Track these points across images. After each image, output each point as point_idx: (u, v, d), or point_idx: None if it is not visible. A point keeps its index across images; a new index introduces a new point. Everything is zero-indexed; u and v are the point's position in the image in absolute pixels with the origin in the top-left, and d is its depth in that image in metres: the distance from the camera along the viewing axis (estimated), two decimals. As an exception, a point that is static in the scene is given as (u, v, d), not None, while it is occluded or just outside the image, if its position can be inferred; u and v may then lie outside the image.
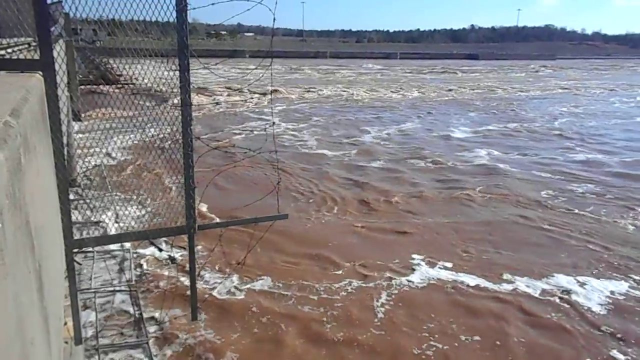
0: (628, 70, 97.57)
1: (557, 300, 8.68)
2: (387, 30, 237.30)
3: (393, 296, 8.64)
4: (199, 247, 9.48)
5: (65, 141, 4.66)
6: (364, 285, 9.01)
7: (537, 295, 8.84)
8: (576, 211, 13.20)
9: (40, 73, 4.15)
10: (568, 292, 8.93)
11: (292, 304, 8.25)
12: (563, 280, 9.33)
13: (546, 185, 15.61)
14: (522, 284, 9.18)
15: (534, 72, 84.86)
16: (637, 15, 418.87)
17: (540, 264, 9.97)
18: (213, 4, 4.92)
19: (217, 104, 29.31)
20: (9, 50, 7.62)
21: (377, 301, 8.45)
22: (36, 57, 4.26)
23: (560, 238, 11.35)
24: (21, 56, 6.17)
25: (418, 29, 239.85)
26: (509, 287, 9.09)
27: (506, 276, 9.47)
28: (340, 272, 9.49)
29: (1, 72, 3.82)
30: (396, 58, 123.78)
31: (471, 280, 9.31)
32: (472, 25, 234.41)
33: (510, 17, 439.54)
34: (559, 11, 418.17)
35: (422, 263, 9.96)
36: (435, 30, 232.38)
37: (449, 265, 9.90)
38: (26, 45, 10.79)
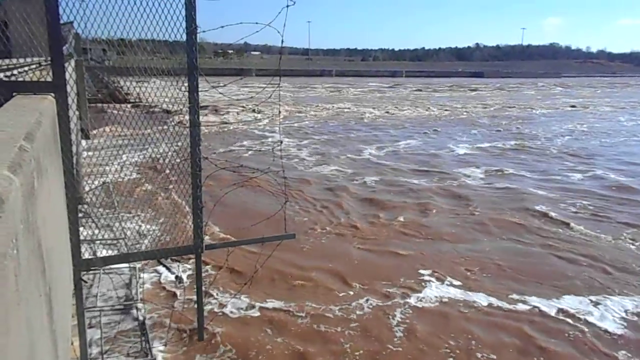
0: (637, 87, 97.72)
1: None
2: (393, 49, 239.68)
3: (408, 314, 8.63)
4: (208, 266, 9.47)
5: (74, 160, 4.71)
6: (378, 302, 8.97)
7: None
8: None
9: (53, 95, 4.22)
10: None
11: (308, 323, 8.21)
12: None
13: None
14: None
15: (544, 89, 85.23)
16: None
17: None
18: (222, 26, 5.00)
19: (225, 123, 29.58)
20: (21, 69, 7.75)
21: (393, 319, 8.43)
22: (48, 77, 4.34)
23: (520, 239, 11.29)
24: (33, 76, 6.26)
25: (423, 48, 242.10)
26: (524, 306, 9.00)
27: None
28: (351, 290, 9.44)
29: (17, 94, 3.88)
30: (402, 76, 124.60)
31: (482, 298, 9.25)
32: (477, 44, 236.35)
33: (515, 36, 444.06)
34: (563, 30, 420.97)
35: (432, 280, 9.97)
36: (440, 48, 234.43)
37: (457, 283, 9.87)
38: (37, 65, 10.97)
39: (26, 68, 8.50)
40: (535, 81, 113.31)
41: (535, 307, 8.99)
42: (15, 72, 6.91)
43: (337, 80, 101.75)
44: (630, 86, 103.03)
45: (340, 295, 9.23)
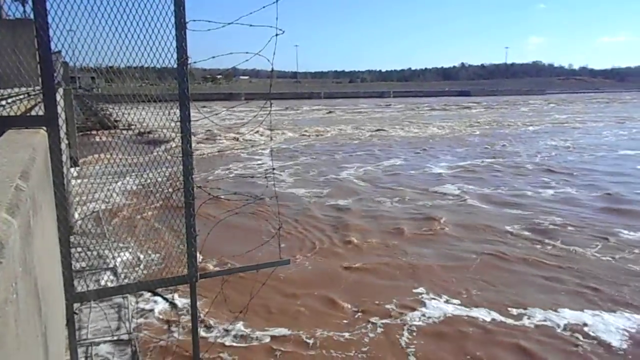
0: (621, 103, 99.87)
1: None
2: (380, 70, 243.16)
3: (414, 333, 8.61)
4: (200, 295, 9.35)
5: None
6: (380, 323, 8.93)
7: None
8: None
9: (45, 128, 4.23)
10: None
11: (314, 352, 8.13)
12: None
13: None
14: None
15: (535, 107, 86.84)
16: (621, 50, 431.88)
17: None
18: (214, 57, 5.06)
19: (220, 151, 29.72)
20: (10, 100, 7.74)
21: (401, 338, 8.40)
22: (38, 109, 4.36)
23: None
24: (21, 105, 6.25)
25: (410, 68, 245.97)
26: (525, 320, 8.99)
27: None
28: (348, 312, 9.39)
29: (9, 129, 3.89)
30: (389, 96, 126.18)
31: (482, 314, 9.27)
32: (463, 63, 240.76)
33: (499, 55, 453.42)
34: (545, 48, 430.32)
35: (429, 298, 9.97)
36: (426, 68, 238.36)
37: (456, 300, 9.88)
38: (25, 95, 10.96)
39: (15, 99, 8.50)
40: (526, 99, 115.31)
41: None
42: (3, 102, 6.92)
43: (327, 102, 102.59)
44: (616, 101, 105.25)
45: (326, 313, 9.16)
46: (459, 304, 9.81)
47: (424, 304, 9.82)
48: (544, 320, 9.13)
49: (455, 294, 10.27)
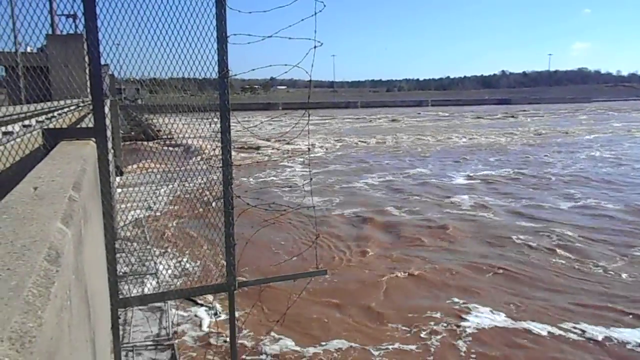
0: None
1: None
2: (417, 79, 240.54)
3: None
4: (239, 303, 9.47)
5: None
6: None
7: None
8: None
9: (94, 139, 4.42)
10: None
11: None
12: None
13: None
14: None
15: (595, 114, 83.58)
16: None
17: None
18: (254, 69, 5.17)
19: (258, 162, 30.25)
20: (61, 112, 8.12)
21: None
22: (88, 121, 4.57)
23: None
24: (72, 117, 6.56)
25: (448, 77, 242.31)
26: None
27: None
28: (391, 321, 9.31)
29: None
30: (427, 105, 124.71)
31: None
32: (503, 71, 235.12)
33: (542, 62, 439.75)
34: (591, 54, 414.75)
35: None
36: (465, 77, 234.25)
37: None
38: (75, 106, 11.45)
39: (66, 110, 8.93)
40: (566, 106, 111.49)
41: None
42: (55, 114, 7.28)
43: (365, 111, 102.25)
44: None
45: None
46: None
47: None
48: None
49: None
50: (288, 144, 35.74)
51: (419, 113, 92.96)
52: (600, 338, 8.75)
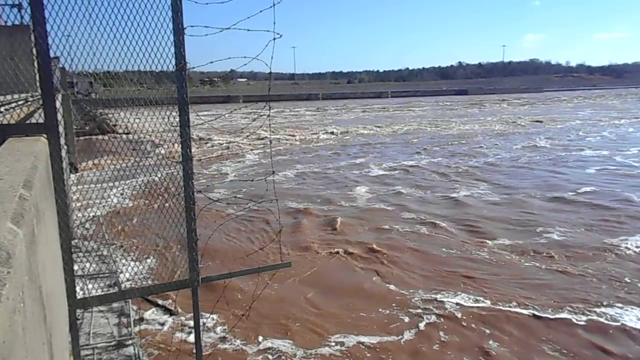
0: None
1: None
2: (377, 70, 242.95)
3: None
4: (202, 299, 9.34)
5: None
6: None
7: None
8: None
9: (45, 136, 4.24)
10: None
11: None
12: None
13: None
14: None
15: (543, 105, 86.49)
16: (618, 46, 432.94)
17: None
18: (212, 62, 5.09)
19: (220, 155, 29.88)
20: (8, 107, 7.75)
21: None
22: (38, 117, 4.37)
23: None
24: (21, 112, 6.27)
25: (407, 68, 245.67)
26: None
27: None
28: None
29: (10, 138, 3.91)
30: (387, 97, 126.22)
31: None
32: (460, 62, 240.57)
33: (496, 53, 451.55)
34: (542, 46, 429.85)
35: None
36: (424, 68, 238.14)
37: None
38: (24, 101, 10.96)
39: (13, 105, 8.51)
40: (520, 96, 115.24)
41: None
42: (2, 109, 6.93)
43: (326, 103, 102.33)
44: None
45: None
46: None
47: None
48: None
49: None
50: (248, 137, 35.45)
51: (379, 104, 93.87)
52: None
